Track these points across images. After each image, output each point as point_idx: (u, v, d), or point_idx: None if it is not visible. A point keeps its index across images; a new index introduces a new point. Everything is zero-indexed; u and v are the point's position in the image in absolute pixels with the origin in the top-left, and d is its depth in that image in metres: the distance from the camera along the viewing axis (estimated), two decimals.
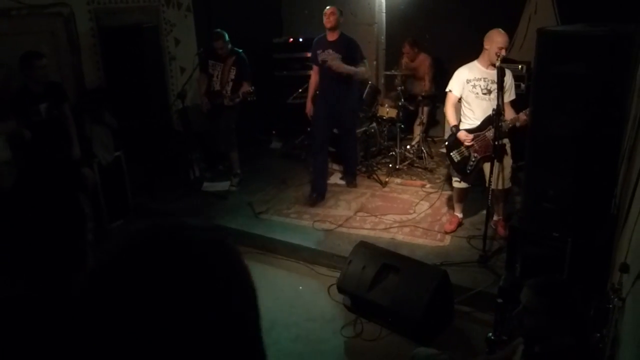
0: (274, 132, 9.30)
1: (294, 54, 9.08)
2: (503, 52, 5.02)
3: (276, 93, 8.91)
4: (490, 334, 3.67)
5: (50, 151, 5.66)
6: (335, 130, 7.02)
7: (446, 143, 5.64)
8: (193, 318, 0.76)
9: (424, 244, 5.65)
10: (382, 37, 9.34)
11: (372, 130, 7.89)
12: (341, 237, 5.84)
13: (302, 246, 5.77)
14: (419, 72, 8.26)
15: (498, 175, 5.28)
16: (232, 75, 6.97)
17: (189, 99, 7.56)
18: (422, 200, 6.68)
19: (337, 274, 4.99)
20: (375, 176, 7.40)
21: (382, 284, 4.55)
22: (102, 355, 0.75)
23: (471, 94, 5.32)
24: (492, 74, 5.10)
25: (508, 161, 5.37)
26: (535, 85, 4.31)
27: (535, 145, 4.33)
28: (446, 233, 5.80)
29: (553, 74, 4.00)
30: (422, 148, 7.86)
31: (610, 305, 2.91)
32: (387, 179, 7.30)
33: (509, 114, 5.23)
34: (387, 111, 7.78)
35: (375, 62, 9.29)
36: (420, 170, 7.68)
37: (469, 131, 5.34)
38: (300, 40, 9.06)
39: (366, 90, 7.95)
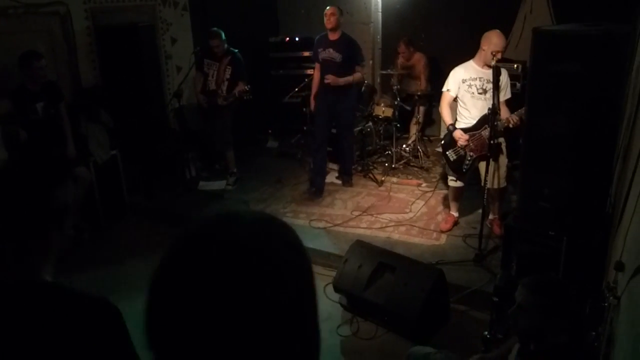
0: (270, 131, 9.30)
1: (290, 53, 9.08)
2: (499, 55, 5.03)
3: (272, 92, 8.93)
4: (486, 333, 3.68)
5: (46, 149, 5.66)
6: (333, 130, 7.03)
7: (442, 142, 5.65)
8: (254, 304, 0.79)
9: (419, 242, 5.66)
10: (378, 37, 9.35)
11: (368, 130, 7.90)
12: (337, 236, 5.85)
13: None
14: (414, 71, 8.27)
15: (494, 174, 5.29)
16: (228, 74, 6.96)
17: (185, 98, 7.57)
18: (418, 199, 6.69)
19: (333, 273, 4.98)
20: (371, 175, 7.41)
21: (378, 283, 4.56)
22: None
23: (467, 93, 5.34)
24: (488, 73, 5.12)
25: (503, 160, 5.38)
26: (531, 84, 4.32)
27: (530, 144, 4.34)
28: (442, 232, 5.81)
29: (548, 73, 4.01)
30: (418, 147, 7.87)
31: (606, 304, 2.92)
32: (383, 178, 7.31)
33: (505, 112, 5.24)
34: (383, 110, 7.79)
35: (371, 62, 9.29)
36: (416, 169, 7.69)
37: (464, 130, 5.35)
38: (297, 39, 9.06)
39: (362, 90, 7.96)
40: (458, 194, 5.79)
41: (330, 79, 6.43)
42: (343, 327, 4.61)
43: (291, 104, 8.31)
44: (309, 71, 7.44)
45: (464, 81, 5.33)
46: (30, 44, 5.87)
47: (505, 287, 3.66)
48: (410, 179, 7.39)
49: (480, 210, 5.21)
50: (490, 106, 4.93)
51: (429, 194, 6.80)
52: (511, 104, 5.32)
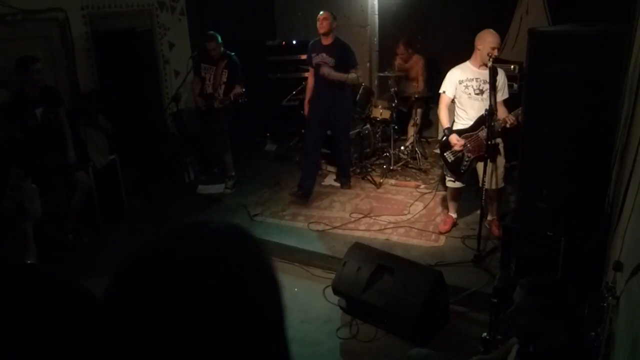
0: (268, 134, 9.31)
1: (287, 57, 9.09)
2: (495, 52, 5.04)
3: (270, 95, 8.94)
4: (485, 334, 3.68)
5: (45, 155, 5.67)
6: (329, 132, 7.03)
7: (440, 143, 5.66)
8: (213, 318, 0.77)
9: (418, 244, 5.67)
10: (375, 39, 9.36)
11: (366, 132, 7.90)
12: (336, 239, 5.85)
13: (297, 248, 5.78)
14: (412, 73, 8.28)
15: (491, 175, 5.30)
16: (224, 78, 6.97)
17: (183, 102, 7.57)
18: (416, 200, 6.70)
19: (332, 276, 5.00)
20: (369, 177, 7.42)
21: (377, 285, 4.56)
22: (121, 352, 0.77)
23: (464, 94, 5.34)
24: (485, 73, 5.12)
25: (501, 161, 5.39)
26: (528, 85, 4.34)
27: (528, 145, 4.35)
28: (441, 233, 5.82)
29: (545, 74, 4.02)
30: (416, 149, 7.88)
31: (605, 304, 2.92)
32: (381, 180, 7.32)
33: (503, 112, 5.24)
34: (381, 112, 7.80)
35: (368, 64, 9.30)
36: (414, 171, 7.69)
37: (462, 131, 5.36)
38: (294, 42, 9.07)
39: (360, 92, 7.96)
40: (456, 194, 5.80)
41: (324, 70, 6.39)
42: (342, 329, 4.61)
43: (289, 107, 8.33)
44: (306, 74, 7.44)
45: (460, 82, 5.34)
46: (28, 50, 5.87)
47: (504, 288, 3.66)
48: (409, 180, 7.39)
49: (478, 212, 5.22)
50: (487, 107, 4.94)
51: (427, 196, 6.80)
52: (509, 104, 5.33)
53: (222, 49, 6.93)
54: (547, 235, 4.13)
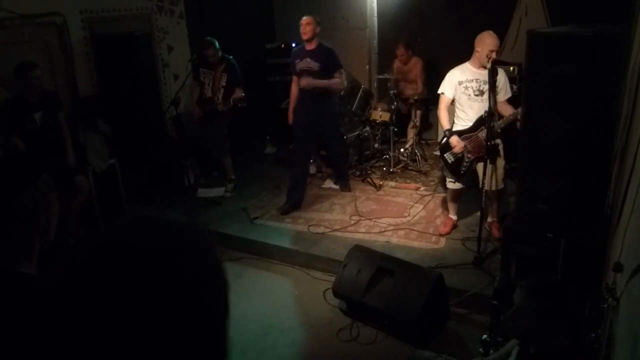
0: (268, 137, 9.31)
1: (286, 59, 9.00)
2: (494, 55, 5.04)
3: (269, 98, 8.92)
4: (486, 336, 3.68)
5: (44, 159, 5.67)
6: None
7: (440, 145, 5.65)
8: (159, 310, 0.79)
9: (418, 246, 5.66)
10: (374, 42, 9.37)
11: (366, 134, 7.90)
12: (336, 241, 5.85)
13: (297, 251, 5.77)
14: (411, 75, 8.29)
15: (491, 176, 5.29)
16: (223, 82, 6.97)
17: (183, 105, 7.57)
18: (416, 202, 6.69)
19: (333, 278, 4.99)
20: (369, 180, 7.41)
21: (377, 287, 4.56)
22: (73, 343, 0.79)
23: (463, 95, 5.33)
24: (484, 74, 5.11)
25: (500, 162, 5.38)
26: (527, 86, 4.34)
27: (528, 146, 4.35)
28: (441, 235, 5.81)
29: (544, 75, 4.03)
30: (416, 151, 7.87)
31: (605, 305, 2.91)
32: (381, 182, 7.31)
33: (507, 111, 5.21)
34: (380, 115, 7.81)
35: (367, 66, 9.31)
36: (414, 173, 7.69)
37: (462, 132, 5.35)
38: (293, 45, 9.03)
39: (359, 95, 7.97)
40: (457, 196, 5.79)
41: (304, 82, 6.31)
42: (343, 332, 4.60)
43: (288, 109, 8.31)
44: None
45: (460, 83, 5.33)
46: (27, 55, 5.88)
47: (504, 290, 3.66)
48: (409, 182, 7.39)
49: (478, 213, 5.21)
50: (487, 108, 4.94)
51: (427, 198, 6.81)
52: (513, 104, 5.30)
53: (220, 53, 6.93)
54: (547, 237, 4.13)
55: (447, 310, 4.62)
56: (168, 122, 7.82)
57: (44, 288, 1.50)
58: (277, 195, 7.17)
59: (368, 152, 8.06)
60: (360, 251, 4.90)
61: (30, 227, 1.61)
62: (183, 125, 7.62)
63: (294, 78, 6.73)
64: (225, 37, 7.09)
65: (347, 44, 9.22)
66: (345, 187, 7.21)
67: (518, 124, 4.81)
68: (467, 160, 5.37)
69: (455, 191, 5.73)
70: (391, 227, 6.08)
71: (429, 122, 8.89)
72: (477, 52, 5.19)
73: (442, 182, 6.30)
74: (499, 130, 5.19)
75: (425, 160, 8.05)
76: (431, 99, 7.91)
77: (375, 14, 9.20)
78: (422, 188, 7.15)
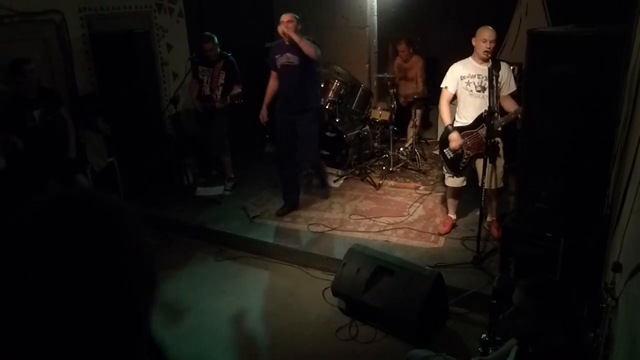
0: (267, 135, 9.29)
1: None
2: (487, 45, 5.03)
3: None
4: (485, 335, 3.68)
5: (43, 157, 5.66)
6: (327, 134, 6.98)
7: (440, 140, 5.64)
8: (78, 286, 0.78)
9: (418, 246, 5.66)
10: (374, 40, 9.36)
11: (365, 133, 7.90)
12: (335, 240, 5.85)
13: (296, 250, 5.77)
14: (411, 73, 8.27)
15: (491, 174, 5.29)
16: (222, 79, 6.95)
17: (182, 104, 7.55)
18: (415, 202, 6.69)
19: (332, 277, 4.99)
20: (368, 179, 7.41)
21: (376, 286, 4.56)
22: None
23: (465, 90, 5.31)
24: (487, 70, 5.07)
25: (500, 161, 5.37)
26: (527, 86, 4.33)
27: (527, 146, 4.35)
28: (440, 235, 5.81)
29: (544, 75, 4.02)
30: (416, 150, 7.87)
31: (604, 305, 2.91)
32: (380, 182, 7.31)
33: (510, 105, 5.19)
34: (380, 114, 7.81)
35: (367, 65, 9.31)
36: (413, 172, 7.68)
37: (462, 128, 5.34)
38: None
39: (358, 93, 7.96)
40: (456, 193, 5.79)
41: (286, 31, 6.05)
42: (342, 331, 4.60)
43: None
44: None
45: (462, 78, 5.31)
46: (26, 53, 5.87)
47: (503, 290, 3.66)
48: (408, 182, 7.38)
49: (477, 213, 5.21)
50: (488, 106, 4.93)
51: (426, 197, 6.80)
52: (517, 99, 5.27)
53: (218, 50, 6.91)
54: (546, 237, 4.13)
55: (446, 310, 4.62)
56: (167, 121, 7.81)
57: None
58: (277, 194, 7.15)
59: (367, 151, 8.05)
60: (360, 250, 4.90)
61: None
62: (182, 124, 7.61)
63: (272, 74, 6.59)
64: (225, 36, 7.08)
65: (347, 42, 9.23)
66: (324, 194, 7.03)
67: (517, 123, 4.81)
68: (466, 156, 5.36)
69: (454, 189, 5.73)
70: (390, 227, 6.07)
71: (429, 121, 8.89)
72: (474, 46, 5.20)
73: (442, 181, 6.29)
74: (499, 129, 5.18)
75: (425, 160, 8.05)
76: (431, 98, 7.91)
77: (375, 13, 9.20)
78: (422, 187, 7.15)
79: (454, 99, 5.49)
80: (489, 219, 5.69)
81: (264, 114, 6.66)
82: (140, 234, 0.90)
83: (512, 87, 5.33)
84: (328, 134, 7.70)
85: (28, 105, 5.61)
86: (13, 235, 0.80)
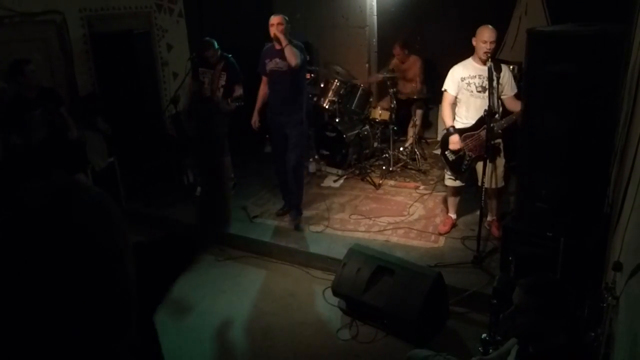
0: (267, 136, 9.27)
1: None
2: (487, 46, 5.02)
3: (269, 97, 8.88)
4: (485, 335, 3.68)
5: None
6: (328, 134, 6.96)
7: (440, 141, 5.64)
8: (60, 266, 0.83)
9: (418, 245, 5.66)
10: (374, 40, 9.36)
11: (365, 133, 7.89)
12: (335, 240, 5.85)
13: (296, 250, 5.77)
14: (409, 74, 8.27)
15: (491, 174, 5.28)
16: (223, 81, 6.93)
17: (182, 104, 7.55)
18: (415, 201, 6.69)
19: (332, 277, 4.99)
20: (368, 178, 7.41)
21: (376, 286, 4.55)
22: None
23: (466, 91, 5.31)
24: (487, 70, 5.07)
25: (501, 160, 5.37)
26: (527, 85, 4.33)
27: (527, 145, 4.35)
28: (440, 234, 5.80)
29: (544, 74, 4.02)
30: (416, 150, 7.87)
31: (604, 304, 2.91)
32: (380, 181, 7.30)
33: (515, 106, 5.17)
34: (380, 114, 7.80)
35: (367, 65, 9.30)
36: (413, 172, 7.68)
37: (463, 130, 5.33)
38: None
39: (358, 93, 7.96)
40: (456, 193, 5.79)
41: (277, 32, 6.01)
42: (342, 331, 4.60)
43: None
44: (306, 75, 7.32)
45: (462, 79, 5.31)
46: (26, 53, 5.87)
47: (503, 289, 3.65)
48: (408, 181, 7.38)
49: (478, 212, 5.20)
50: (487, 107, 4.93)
51: (426, 197, 6.80)
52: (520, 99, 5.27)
53: (219, 52, 6.91)
54: (546, 236, 4.13)
55: (447, 309, 4.62)
56: (167, 121, 7.81)
57: None
58: (277, 195, 7.15)
59: (367, 151, 8.05)
60: (360, 250, 4.90)
61: None
62: (182, 124, 7.61)
63: (263, 79, 6.43)
64: (225, 36, 7.07)
65: (346, 42, 9.23)
66: (294, 220, 6.33)
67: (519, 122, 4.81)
68: (468, 158, 5.36)
69: (454, 189, 5.73)
70: (390, 226, 6.07)
71: (429, 121, 8.89)
72: (474, 46, 5.19)
73: (442, 181, 6.29)
74: (500, 131, 5.17)
75: (425, 159, 8.05)
76: (431, 98, 7.92)
77: (375, 13, 9.19)
78: (422, 187, 7.14)
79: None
80: (489, 218, 5.69)
81: (255, 119, 6.57)
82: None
83: (514, 89, 5.30)
84: (328, 133, 7.70)
85: (28, 104, 5.60)
86: None
